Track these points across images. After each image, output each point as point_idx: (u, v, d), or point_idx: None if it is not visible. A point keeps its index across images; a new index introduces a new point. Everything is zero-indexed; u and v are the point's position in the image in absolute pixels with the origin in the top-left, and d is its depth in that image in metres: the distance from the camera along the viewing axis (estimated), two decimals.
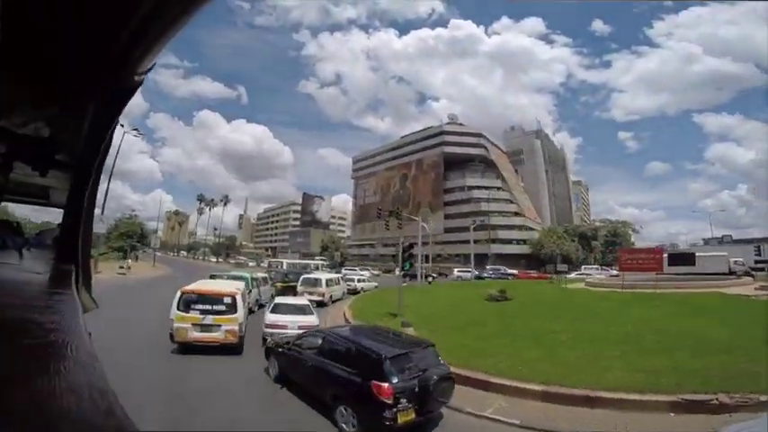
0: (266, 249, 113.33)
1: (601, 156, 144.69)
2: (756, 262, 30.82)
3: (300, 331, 9.63)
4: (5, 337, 0.73)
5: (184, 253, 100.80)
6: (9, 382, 0.46)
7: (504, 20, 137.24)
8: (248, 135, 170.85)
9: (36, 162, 2.34)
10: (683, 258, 26.23)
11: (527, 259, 59.25)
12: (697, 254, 25.55)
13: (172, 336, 9.16)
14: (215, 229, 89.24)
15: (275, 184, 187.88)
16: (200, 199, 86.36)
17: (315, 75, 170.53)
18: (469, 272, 43.95)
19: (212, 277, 21.97)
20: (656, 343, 9.59)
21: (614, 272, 40.85)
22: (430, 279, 33.45)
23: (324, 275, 22.69)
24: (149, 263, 44.26)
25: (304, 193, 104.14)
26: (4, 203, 3.44)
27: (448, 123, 76.79)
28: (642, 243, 61.44)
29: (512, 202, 69.69)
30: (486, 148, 73.52)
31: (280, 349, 7.83)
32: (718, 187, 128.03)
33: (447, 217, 71.18)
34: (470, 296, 19.73)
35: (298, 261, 33.28)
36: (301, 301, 12.62)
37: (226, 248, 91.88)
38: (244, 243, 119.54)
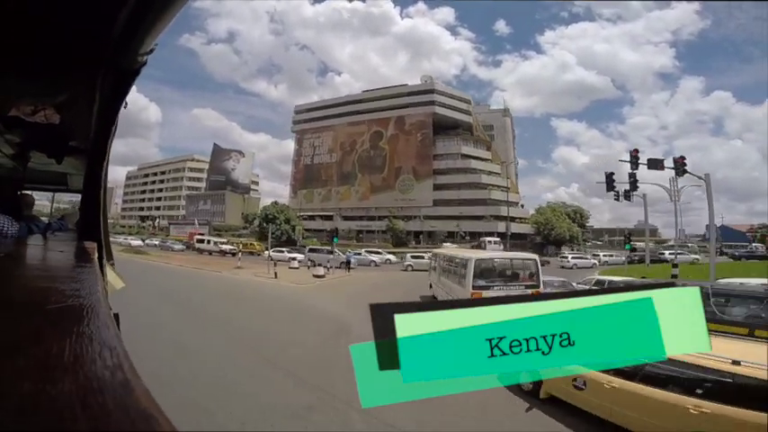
0: (143, 219, 79.29)
1: None
2: None
3: None
4: (31, 303, 0.83)
5: None
6: (32, 342, 0.51)
7: (420, 5, 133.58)
8: None
9: (51, 149, 2.60)
10: None
11: (530, 239, 54.72)
12: None
13: None
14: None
15: (133, 143, 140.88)
16: None
17: (204, 29, 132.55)
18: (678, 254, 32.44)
19: None
20: None
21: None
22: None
23: None
24: None
25: (215, 145, 76.29)
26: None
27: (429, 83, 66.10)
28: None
29: (501, 176, 64.67)
30: (473, 116, 66.21)
31: None
32: (557, 184, 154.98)
33: (436, 188, 61.00)
34: None
35: (375, 252, 16.24)
36: None
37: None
38: None
